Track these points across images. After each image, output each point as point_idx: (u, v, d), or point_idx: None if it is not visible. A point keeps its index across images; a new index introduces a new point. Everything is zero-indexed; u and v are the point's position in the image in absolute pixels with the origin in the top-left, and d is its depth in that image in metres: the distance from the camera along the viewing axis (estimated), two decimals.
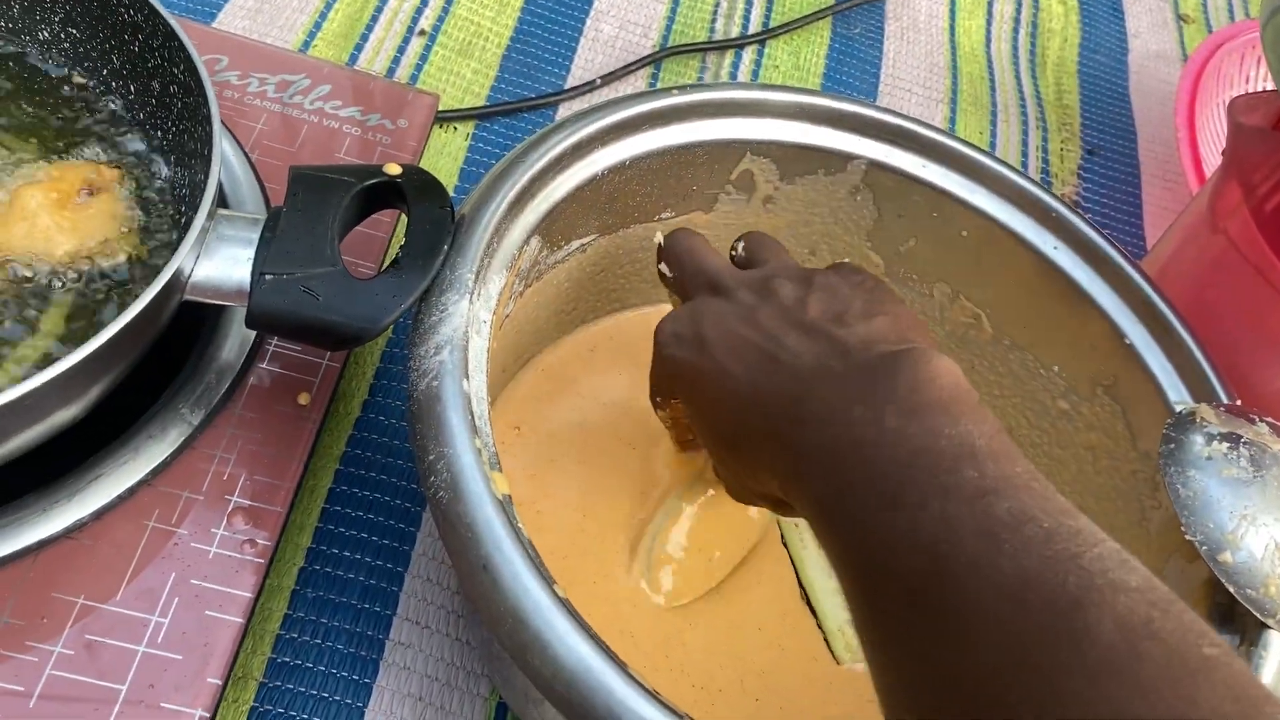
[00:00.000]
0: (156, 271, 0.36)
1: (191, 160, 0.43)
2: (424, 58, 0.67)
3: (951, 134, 0.50)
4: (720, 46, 0.74)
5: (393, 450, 0.50)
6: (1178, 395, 0.45)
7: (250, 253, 0.39)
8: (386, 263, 0.45)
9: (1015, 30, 0.84)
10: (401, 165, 0.42)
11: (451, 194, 0.42)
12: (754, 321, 0.37)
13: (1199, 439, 0.40)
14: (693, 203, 0.50)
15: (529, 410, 0.50)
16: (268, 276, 0.38)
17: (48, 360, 0.39)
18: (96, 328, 0.35)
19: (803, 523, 0.51)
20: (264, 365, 0.45)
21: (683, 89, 0.47)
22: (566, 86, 0.69)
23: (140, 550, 0.39)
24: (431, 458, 0.34)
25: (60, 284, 0.41)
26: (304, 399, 0.44)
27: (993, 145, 0.75)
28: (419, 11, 0.70)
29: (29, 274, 0.40)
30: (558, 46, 0.71)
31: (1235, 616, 0.39)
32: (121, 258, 0.42)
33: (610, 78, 0.69)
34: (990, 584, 0.26)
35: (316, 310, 0.38)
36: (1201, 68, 0.73)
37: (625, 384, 0.52)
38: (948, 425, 0.30)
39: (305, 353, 0.46)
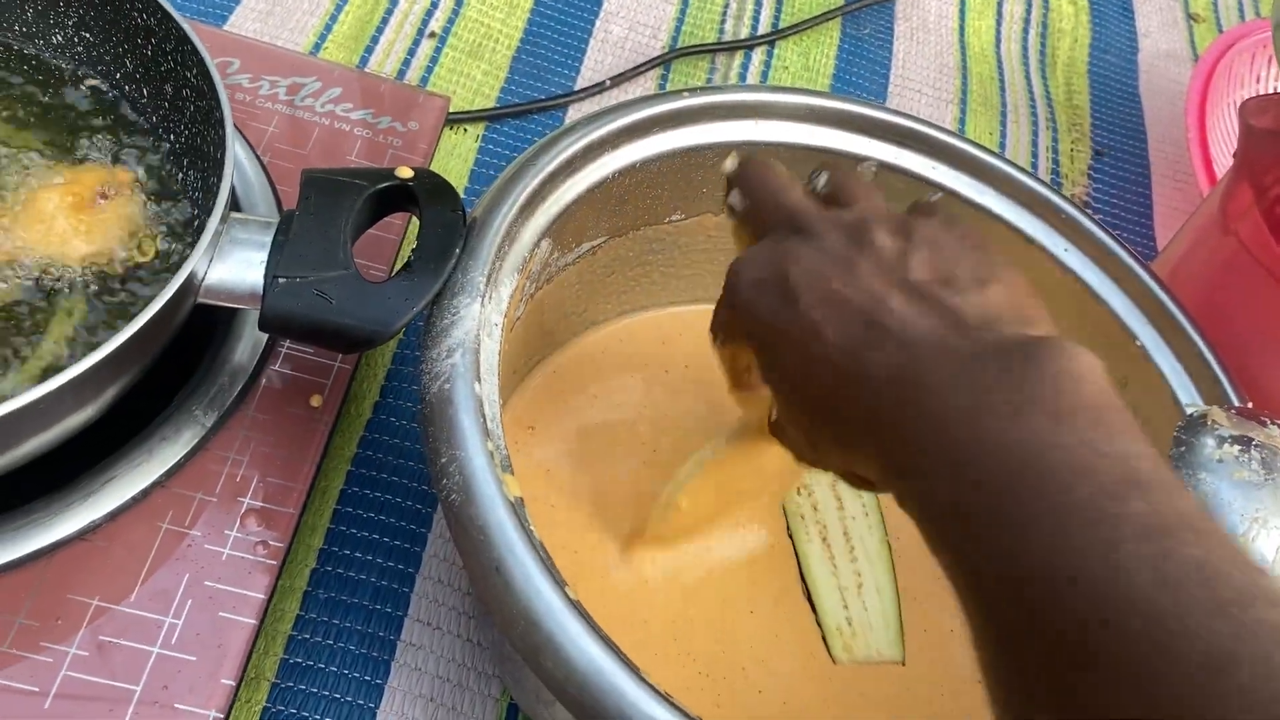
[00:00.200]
0: (170, 275, 0.36)
1: (204, 163, 0.43)
2: (434, 60, 0.68)
3: (961, 135, 0.50)
4: (730, 47, 0.74)
5: (404, 452, 0.51)
6: (1189, 397, 0.45)
7: (263, 256, 0.39)
8: (398, 266, 0.45)
9: (1025, 30, 0.84)
10: (413, 169, 0.42)
11: (462, 195, 0.42)
12: (852, 274, 0.31)
13: (1210, 441, 0.40)
14: (703, 205, 0.50)
15: (540, 411, 0.50)
16: (280, 280, 0.38)
17: (62, 364, 0.39)
18: (111, 331, 0.36)
19: (809, 516, 0.51)
20: (276, 367, 0.45)
21: (692, 91, 0.47)
22: (576, 88, 0.69)
23: (154, 552, 0.39)
24: (444, 460, 0.35)
25: (76, 287, 0.41)
26: (316, 401, 0.45)
27: (1002, 146, 0.75)
28: (429, 14, 0.70)
29: (46, 276, 0.41)
30: (567, 48, 0.71)
31: None
32: (136, 261, 0.42)
33: (620, 79, 0.69)
34: (1179, 655, 0.22)
35: (329, 313, 0.38)
36: (1212, 67, 0.72)
37: (636, 385, 0.52)
38: (1103, 441, 0.26)
39: (317, 355, 0.46)
